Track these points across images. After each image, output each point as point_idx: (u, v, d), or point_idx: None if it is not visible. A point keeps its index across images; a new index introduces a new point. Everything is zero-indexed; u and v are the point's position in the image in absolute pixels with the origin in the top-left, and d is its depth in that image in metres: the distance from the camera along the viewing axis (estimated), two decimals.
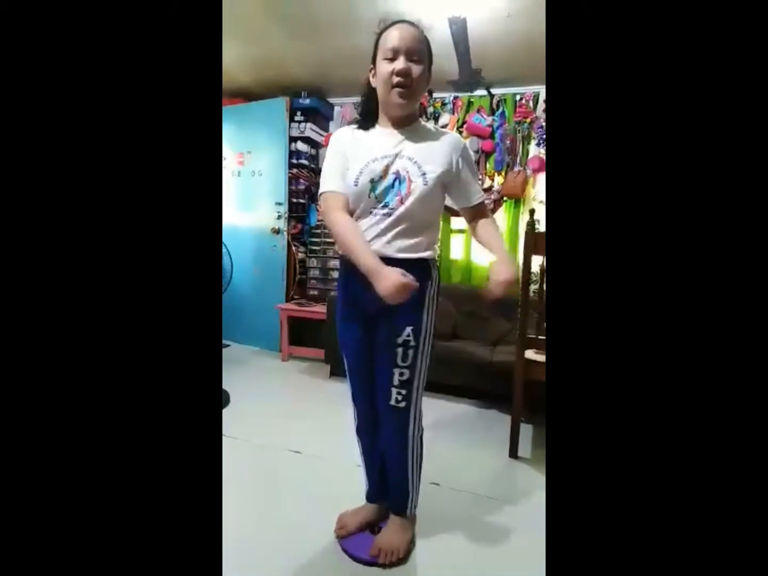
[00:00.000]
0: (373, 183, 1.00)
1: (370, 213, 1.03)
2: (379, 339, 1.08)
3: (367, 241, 1.01)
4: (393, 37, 0.98)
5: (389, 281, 0.89)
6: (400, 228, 1.01)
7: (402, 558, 1.16)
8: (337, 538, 1.23)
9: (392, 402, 1.08)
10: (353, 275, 1.03)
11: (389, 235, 1.01)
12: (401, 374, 1.06)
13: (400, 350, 1.05)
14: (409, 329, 1.05)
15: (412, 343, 1.06)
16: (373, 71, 1.04)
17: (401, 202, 1.00)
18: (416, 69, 0.98)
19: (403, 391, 1.07)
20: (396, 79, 0.97)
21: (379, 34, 1.01)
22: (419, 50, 0.99)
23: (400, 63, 0.96)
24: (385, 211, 1.01)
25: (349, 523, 1.25)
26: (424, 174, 1.00)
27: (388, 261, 0.98)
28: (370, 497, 1.29)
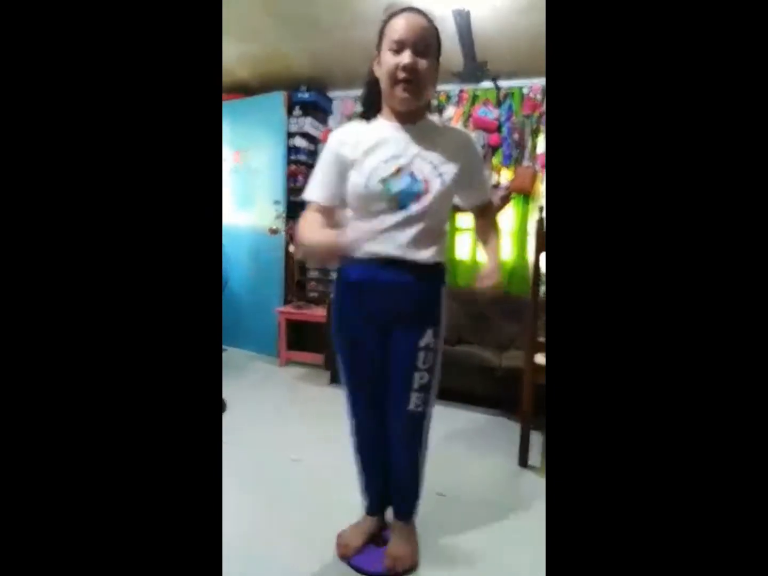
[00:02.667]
0: (386, 183, 0.97)
1: (386, 215, 0.99)
2: (397, 344, 1.06)
3: (384, 244, 0.99)
4: (399, 28, 0.93)
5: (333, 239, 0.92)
6: (419, 231, 0.99)
7: (413, 565, 1.17)
8: (343, 558, 1.19)
9: (411, 407, 1.07)
10: (366, 283, 1.03)
11: (409, 238, 0.99)
12: (421, 377, 1.06)
13: (421, 353, 1.05)
14: (430, 331, 1.05)
15: (432, 346, 1.06)
16: (377, 59, 0.99)
17: (420, 204, 0.98)
18: (423, 63, 0.94)
19: (422, 395, 1.07)
20: (401, 74, 0.93)
21: (385, 22, 0.97)
22: (427, 42, 0.94)
23: (406, 57, 0.92)
24: (403, 213, 0.98)
25: (351, 540, 1.22)
26: (440, 174, 0.99)
27: (407, 265, 1.00)
28: (372, 510, 1.26)
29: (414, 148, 0.99)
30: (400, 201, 0.98)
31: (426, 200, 0.97)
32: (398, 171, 0.97)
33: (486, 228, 1.13)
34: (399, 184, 0.97)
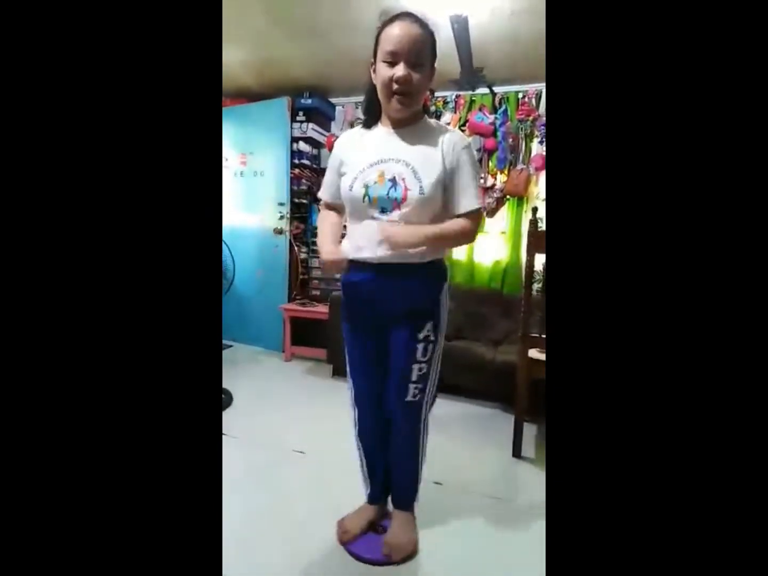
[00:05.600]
0: (367, 188, 0.99)
1: (368, 219, 1.01)
2: (398, 337, 1.08)
3: (371, 249, 1.00)
4: (393, 38, 0.93)
5: (324, 256, 1.04)
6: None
7: (412, 553, 1.18)
8: (342, 543, 1.20)
9: (409, 398, 1.10)
10: (369, 278, 1.05)
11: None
12: (420, 369, 1.09)
13: (421, 346, 1.07)
14: (429, 324, 1.07)
15: (432, 338, 1.08)
16: (373, 67, 1.00)
17: (398, 209, 0.99)
18: (416, 75, 0.94)
19: (420, 386, 1.10)
20: (395, 87, 0.94)
21: (380, 29, 0.96)
22: (421, 52, 0.94)
23: (400, 70, 0.93)
24: (384, 217, 1.00)
25: (351, 526, 1.23)
26: (420, 181, 0.97)
27: (391, 267, 1.01)
28: (373, 499, 1.28)
29: (400, 153, 0.99)
30: (380, 206, 0.99)
31: (405, 207, 0.98)
32: (381, 176, 0.98)
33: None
34: (379, 190, 0.98)
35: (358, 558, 1.16)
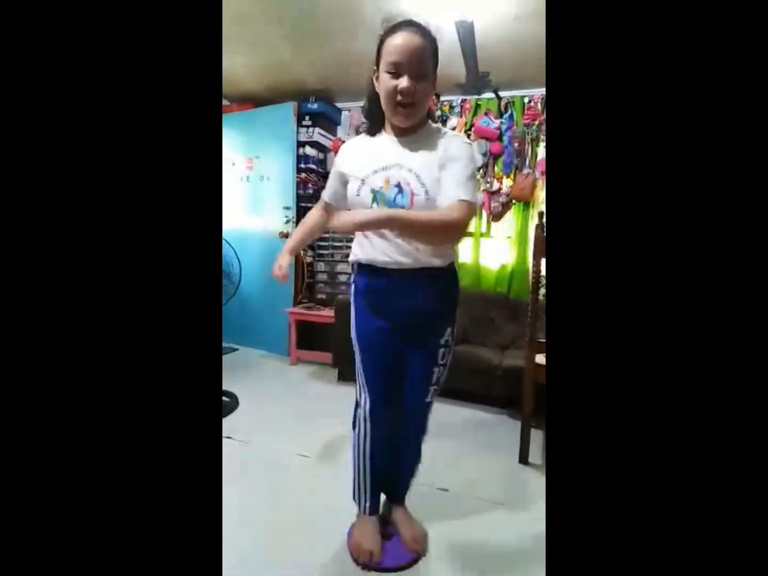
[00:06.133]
0: (375, 194, 1.00)
1: None
2: (418, 342, 1.10)
3: (385, 254, 1.02)
4: (396, 49, 0.92)
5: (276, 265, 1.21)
6: (412, 240, 0.99)
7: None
8: (371, 565, 1.14)
9: (428, 399, 1.15)
10: (387, 284, 1.05)
11: (404, 247, 1.01)
12: (439, 372, 1.13)
13: (441, 350, 1.11)
14: (449, 329, 1.11)
15: (450, 342, 1.12)
16: (376, 74, 0.99)
17: None
18: (420, 87, 0.94)
19: (436, 387, 1.15)
20: (399, 98, 0.94)
21: (382, 38, 0.95)
22: (424, 62, 0.93)
23: (404, 82, 0.92)
24: None
25: (371, 545, 1.17)
26: (425, 186, 0.97)
27: (410, 272, 1.02)
28: (374, 509, 1.24)
29: (404, 159, 0.99)
30: None
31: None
32: (387, 182, 0.99)
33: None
34: (387, 196, 0.98)
35: (389, 570, 1.13)
